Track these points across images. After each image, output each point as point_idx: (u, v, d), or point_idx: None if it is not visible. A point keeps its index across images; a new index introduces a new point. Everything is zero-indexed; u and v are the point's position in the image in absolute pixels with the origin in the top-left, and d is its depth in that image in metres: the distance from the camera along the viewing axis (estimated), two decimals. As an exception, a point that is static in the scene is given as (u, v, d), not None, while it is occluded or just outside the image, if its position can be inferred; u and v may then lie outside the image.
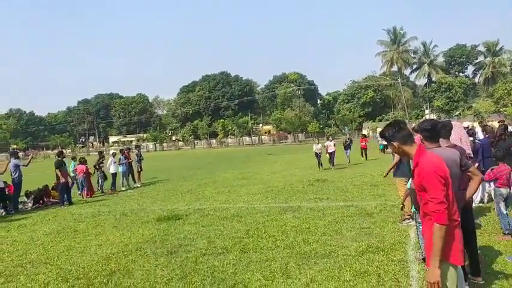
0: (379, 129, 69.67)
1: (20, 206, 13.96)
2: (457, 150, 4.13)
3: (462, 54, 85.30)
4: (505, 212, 6.55)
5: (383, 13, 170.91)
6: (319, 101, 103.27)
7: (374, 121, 78.62)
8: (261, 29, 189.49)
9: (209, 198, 13.42)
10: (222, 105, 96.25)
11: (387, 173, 9.05)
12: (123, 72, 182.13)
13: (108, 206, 13.46)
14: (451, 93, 75.51)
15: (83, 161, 16.47)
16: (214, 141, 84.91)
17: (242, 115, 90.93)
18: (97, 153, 19.63)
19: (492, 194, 7.19)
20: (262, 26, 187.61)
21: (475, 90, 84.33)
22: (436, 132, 4.00)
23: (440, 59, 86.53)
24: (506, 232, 6.46)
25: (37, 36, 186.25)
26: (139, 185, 18.60)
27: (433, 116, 68.21)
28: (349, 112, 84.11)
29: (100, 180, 17.21)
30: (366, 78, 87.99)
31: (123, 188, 17.69)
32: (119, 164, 17.77)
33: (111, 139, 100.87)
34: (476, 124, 24.80)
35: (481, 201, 9.36)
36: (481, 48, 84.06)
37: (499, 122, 13.31)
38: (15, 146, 78.67)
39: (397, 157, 7.96)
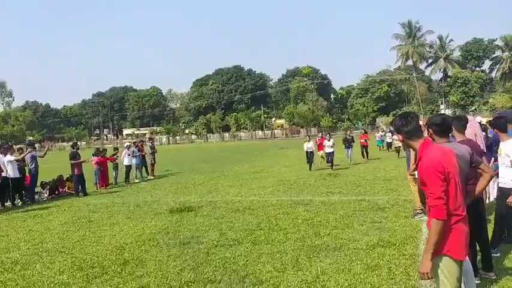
0: (393, 125, 69.69)
1: (36, 197, 14.23)
2: (470, 145, 4.09)
3: (479, 49, 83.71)
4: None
5: (398, 6, 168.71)
6: (332, 96, 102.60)
7: (388, 116, 77.87)
8: (274, 23, 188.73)
9: (221, 191, 13.51)
10: (235, 98, 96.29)
11: (413, 170, 8.54)
12: (137, 66, 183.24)
13: (121, 197, 13.66)
14: (467, 88, 74.32)
15: (97, 153, 16.69)
16: (226, 134, 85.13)
17: (255, 109, 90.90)
18: (112, 148, 19.90)
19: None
20: (276, 20, 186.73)
21: (492, 85, 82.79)
22: (446, 127, 3.97)
23: (457, 53, 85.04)
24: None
25: (53, 29, 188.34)
26: (152, 177, 18.80)
27: (448, 111, 67.37)
28: (363, 107, 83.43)
29: (114, 172, 17.44)
30: (380, 72, 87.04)
31: (137, 180, 17.90)
32: (133, 156, 17.98)
33: (125, 132, 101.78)
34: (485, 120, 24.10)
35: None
36: (499, 42, 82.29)
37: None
38: (31, 138, 79.99)
39: (413, 152, 7.84)
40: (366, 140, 21.63)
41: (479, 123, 6.93)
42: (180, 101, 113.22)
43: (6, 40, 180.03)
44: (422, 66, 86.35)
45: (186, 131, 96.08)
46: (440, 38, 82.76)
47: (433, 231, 2.96)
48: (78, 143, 20.35)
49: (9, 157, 13.00)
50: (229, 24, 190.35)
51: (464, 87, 74.58)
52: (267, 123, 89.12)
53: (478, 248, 4.72)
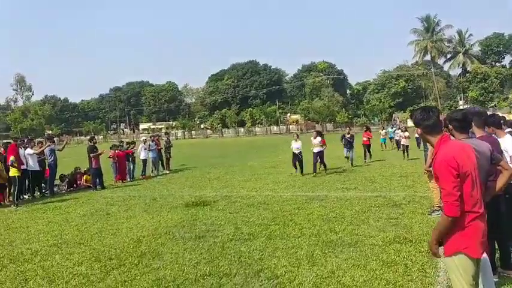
0: (409, 121, 68.26)
1: (55, 189, 14.50)
2: (490, 142, 4.03)
3: (499, 44, 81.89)
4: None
5: (417, 0, 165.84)
6: (348, 91, 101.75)
7: (405, 111, 76.91)
8: (290, 18, 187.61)
9: (236, 185, 13.56)
10: (250, 94, 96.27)
11: (429, 166, 8.24)
12: (154, 61, 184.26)
13: (138, 190, 13.82)
14: (487, 83, 72.86)
15: (114, 147, 16.89)
16: (242, 129, 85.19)
17: (270, 104, 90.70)
18: (129, 142, 20.11)
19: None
20: (292, 15, 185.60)
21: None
22: (467, 123, 3.91)
23: (476, 48, 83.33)
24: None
25: (71, 23, 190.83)
26: (168, 172, 18.96)
27: (467, 106, 66.16)
28: (379, 102, 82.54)
29: (131, 166, 17.64)
30: (397, 67, 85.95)
31: (153, 174, 18.08)
32: (149, 150, 18.15)
33: (141, 126, 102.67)
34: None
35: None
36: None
37: None
38: (50, 132, 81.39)
39: (431, 149, 7.71)
40: (368, 139, 18.98)
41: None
42: (196, 96, 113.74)
43: (26, 35, 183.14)
44: (440, 61, 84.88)
45: (202, 126, 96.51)
46: (459, 33, 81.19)
47: (441, 225, 2.99)
48: (96, 137, 20.52)
49: (29, 150, 13.31)
50: (244, 19, 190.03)
51: (483, 83, 73.15)
52: (282, 119, 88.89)
53: (496, 246, 4.66)
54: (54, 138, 26.50)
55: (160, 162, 19.06)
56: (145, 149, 18.08)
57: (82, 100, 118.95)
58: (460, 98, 77.68)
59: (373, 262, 5.47)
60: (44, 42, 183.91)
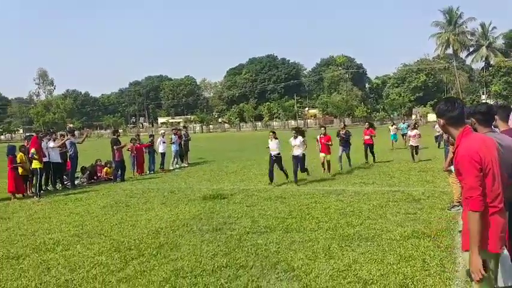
0: (430, 116, 66.82)
1: (76, 181, 14.80)
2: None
3: (525, 36, 79.71)
4: None
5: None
6: (367, 85, 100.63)
7: (425, 106, 75.66)
8: (309, 11, 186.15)
9: (253, 179, 13.61)
10: (268, 88, 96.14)
11: (448, 164, 7.66)
12: (172, 55, 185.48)
13: (156, 183, 14.00)
14: (511, 77, 71.10)
15: (133, 140, 17.11)
16: (259, 124, 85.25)
17: (288, 98, 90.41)
18: (148, 136, 20.37)
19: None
20: (310, 8, 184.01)
21: (538, 74, 78.79)
22: (491, 116, 3.84)
23: (500, 42, 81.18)
24: None
25: (92, 19, 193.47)
26: (186, 165, 19.13)
27: (490, 102, 64.72)
28: (399, 96, 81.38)
29: (149, 159, 17.85)
30: (418, 61, 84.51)
31: (171, 167, 18.26)
32: (171, 143, 18.36)
33: (160, 120, 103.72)
34: None
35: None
36: (546, 30, 78.11)
37: None
38: (71, 125, 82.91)
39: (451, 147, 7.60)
40: (371, 137, 16.09)
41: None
42: (214, 90, 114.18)
43: (49, 30, 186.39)
44: (462, 55, 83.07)
45: (219, 120, 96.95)
46: (482, 26, 79.24)
47: (472, 224, 2.87)
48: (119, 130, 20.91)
49: (51, 143, 13.66)
50: (263, 13, 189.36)
51: (507, 77, 71.33)
52: (300, 113, 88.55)
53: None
54: (75, 132, 27.03)
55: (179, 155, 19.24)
56: (163, 142, 18.27)
57: (102, 94, 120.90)
58: (483, 92, 76.02)
59: (390, 256, 5.44)
60: (66, 37, 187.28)
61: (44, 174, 13.18)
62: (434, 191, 9.79)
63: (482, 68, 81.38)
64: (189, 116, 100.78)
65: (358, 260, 5.38)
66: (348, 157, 14.87)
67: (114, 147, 15.06)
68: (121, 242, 6.85)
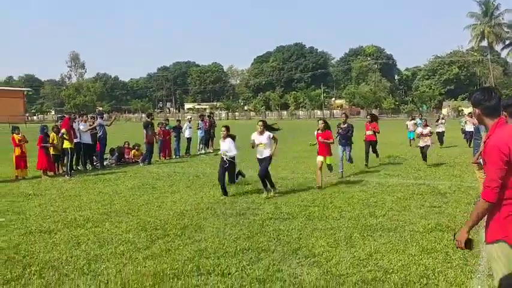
0: (462, 109, 64.76)
1: (105, 162, 15.22)
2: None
3: None
4: None
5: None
6: (396, 77, 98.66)
7: (456, 99, 73.72)
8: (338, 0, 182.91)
9: (277, 167, 13.64)
10: (295, 77, 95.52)
11: (477, 158, 7.07)
12: (200, 41, 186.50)
13: (182, 167, 14.26)
14: (549, 72, 68.36)
15: (160, 125, 17.40)
16: (285, 112, 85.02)
17: (315, 88, 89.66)
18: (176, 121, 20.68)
19: None
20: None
21: None
22: None
23: (538, 35, 78.03)
24: None
25: (123, 5, 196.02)
26: (211, 151, 19.36)
27: (525, 97, 62.37)
28: (429, 89, 79.47)
29: (176, 144, 18.14)
30: (450, 53, 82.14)
31: (198, 152, 18.51)
32: (198, 129, 18.62)
33: (186, 106, 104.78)
34: None
35: None
36: None
37: None
38: (100, 108, 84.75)
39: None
40: (374, 133, 13.38)
41: None
42: (240, 78, 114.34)
43: (82, 14, 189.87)
44: (498, 47, 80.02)
45: (245, 108, 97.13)
46: (520, 18, 76.13)
47: (478, 210, 2.93)
48: (144, 114, 21.31)
49: (82, 125, 14.09)
50: (292, 0, 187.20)
51: (545, 72, 68.61)
52: (326, 103, 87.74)
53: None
54: (104, 115, 27.68)
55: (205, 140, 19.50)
56: (190, 127, 18.52)
57: (131, 79, 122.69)
58: (518, 86, 73.36)
59: (412, 248, 5.44)
60: (98, 21, 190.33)
61: (75, 154, 13.63)
62: (461, 185, 9.65)
63: (518, 61, 78.42)
64: (215, 103, 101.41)
65: (380, 249, 5.41)
66: (350, 158, 12.14)
67: (145, 130, 15.38)
68: (147, 222, 7.07)
